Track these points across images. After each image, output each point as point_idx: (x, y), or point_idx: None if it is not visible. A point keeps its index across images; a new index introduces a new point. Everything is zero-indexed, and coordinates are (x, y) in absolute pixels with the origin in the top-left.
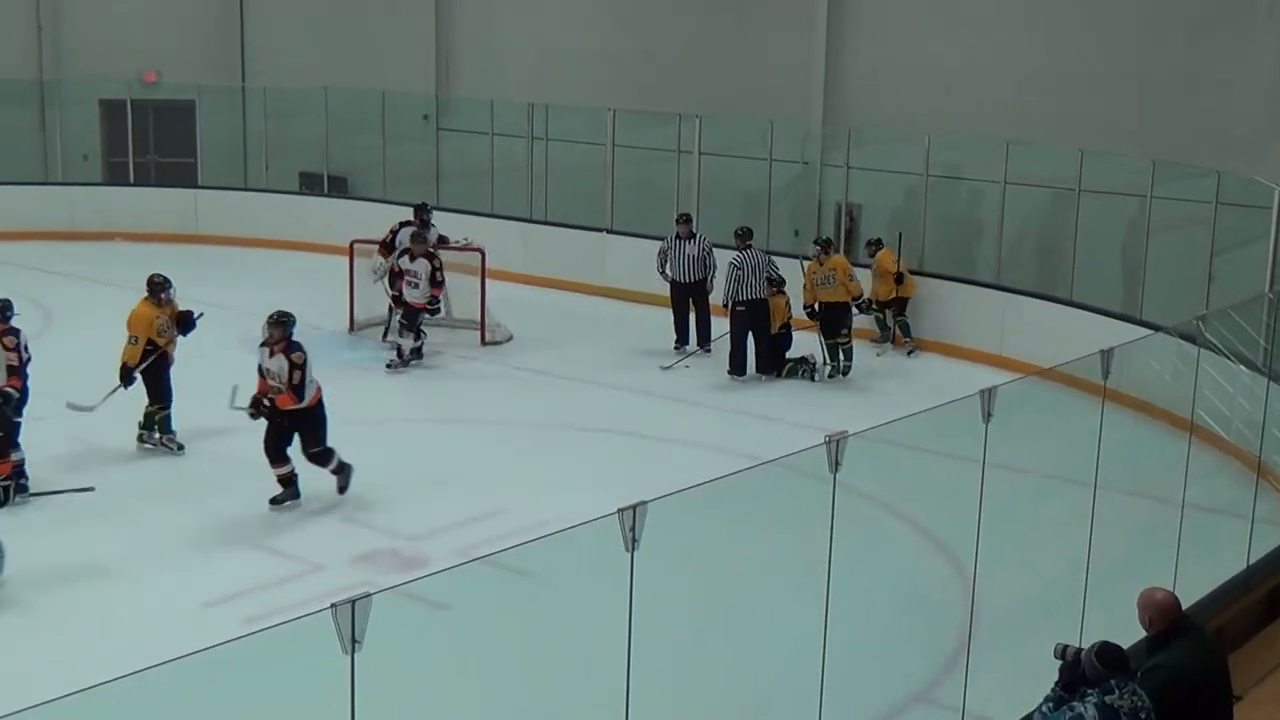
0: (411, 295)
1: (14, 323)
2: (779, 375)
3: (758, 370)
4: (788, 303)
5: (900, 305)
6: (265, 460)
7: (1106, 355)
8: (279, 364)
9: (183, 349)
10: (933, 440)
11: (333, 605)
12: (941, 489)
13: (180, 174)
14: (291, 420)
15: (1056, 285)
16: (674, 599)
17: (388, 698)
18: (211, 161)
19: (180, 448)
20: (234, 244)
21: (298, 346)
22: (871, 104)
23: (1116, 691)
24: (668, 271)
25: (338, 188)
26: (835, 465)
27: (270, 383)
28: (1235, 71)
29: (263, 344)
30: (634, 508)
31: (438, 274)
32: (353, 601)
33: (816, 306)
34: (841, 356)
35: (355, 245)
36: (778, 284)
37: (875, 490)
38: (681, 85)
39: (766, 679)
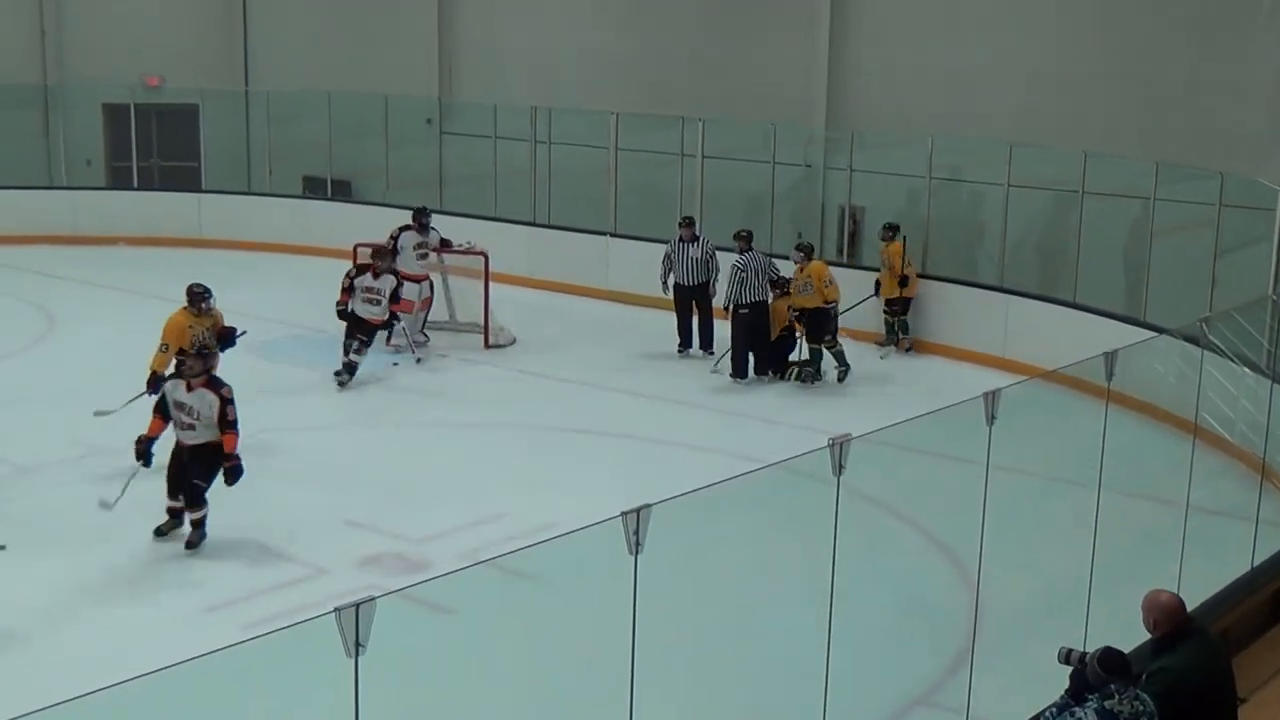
0: (370, 312)
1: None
2: (781, 377)
3: (756, 372)
4: (790, 305)
5: (904, 305)
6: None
7: (1110, 357)
8: (202, 400)
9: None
10: (936, 443)
11: (336, 609)
12: (945, 491)
13: (183, 178)
14: (192, 453)
15: (1060, 287)
16: (677, 602)
17: (392, 702)
18: (215, 166)
19: None
20: (237, 248)
21: (222, 381)
22: (874, 107)
23: (1116, 697)
24: (669, 284)
25: (341, 192)
26: (839, 468)
27: (183, 419)
28: (1238, 73)
29: (174, 376)
30: (637, 511)
31: (399, 291)
32: (356, 605)
33: (800, 312)
34: (834, 361)
35: (358, 249)
36: (781, 286)
37: (879, 493)
38: (684, 89)
39: (770, 682)
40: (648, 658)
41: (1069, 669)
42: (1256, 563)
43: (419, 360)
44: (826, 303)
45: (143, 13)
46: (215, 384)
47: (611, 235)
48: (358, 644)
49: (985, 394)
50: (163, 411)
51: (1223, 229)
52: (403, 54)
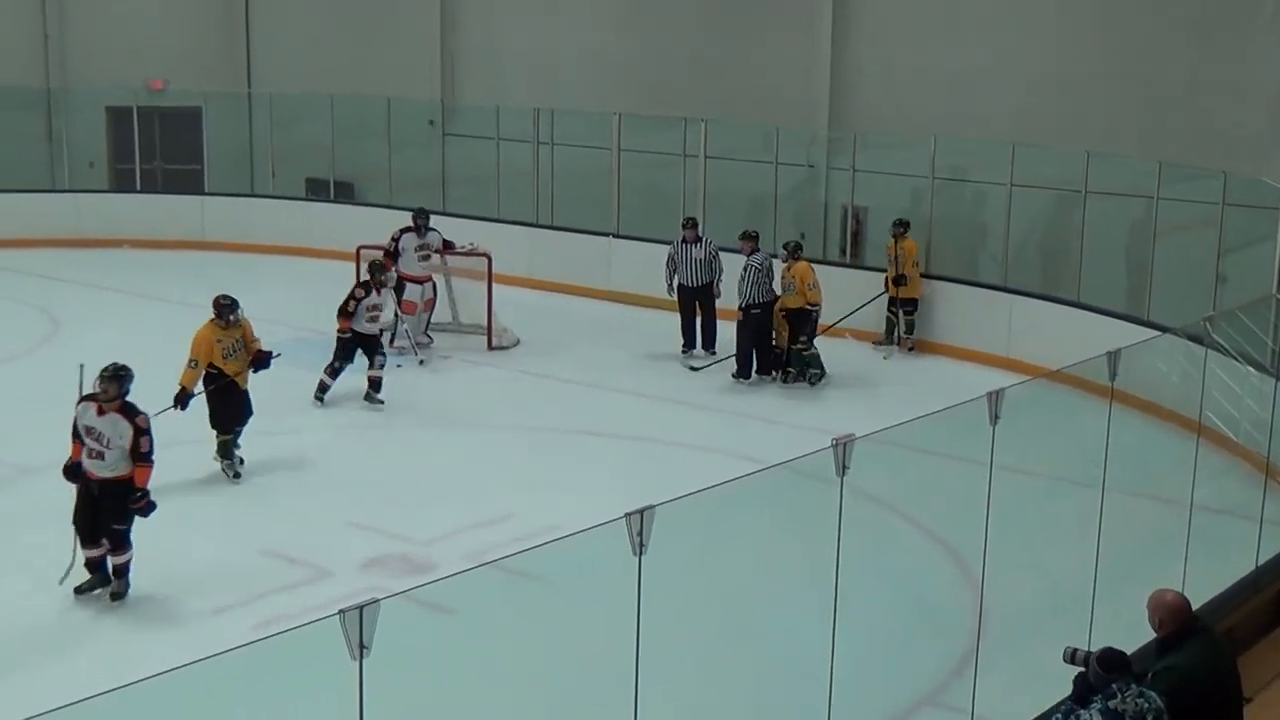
0: (372, 329)
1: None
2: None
3: (758, 371)
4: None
5: (909, 305)
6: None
7: (1113, 357)
8: (114, 428)
9: (183, 350)
10: (940, 443)
11: (341, 611)
12: (949, 491)
13: (187, 181)
14: (103, 488)
15: (1063, 287)
16: (682, 603)
17: (396, 703)
18: (218, 168)
19: (236, 476)
20: (241, 250)
21: (138, 409)
22: (877, 107)
23: (1119, 696)
24: (673, 286)
25: (344, 193)
26: (842, 468)
27: (93, 445)
28: (1241, 73)
29: (86, 398)
30: (641, 512)
31: (401, 292)
32: (361, 607)
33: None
34: (803, 364)
35: (361, 251)
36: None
37: (882, 493)
38: (687, 89)
39: (774, 682)
40: (652, 658)
41: (1073, 669)
42: (1261, 562)
43: (422, 362)
44: (809, 305)
45: (145, 15)
46: (129, 411)
47: (614, 236)
48: (362, 646)
49: (989, 394)
50: (78, 436)
51: (1226, 228)
52: (405, 56)
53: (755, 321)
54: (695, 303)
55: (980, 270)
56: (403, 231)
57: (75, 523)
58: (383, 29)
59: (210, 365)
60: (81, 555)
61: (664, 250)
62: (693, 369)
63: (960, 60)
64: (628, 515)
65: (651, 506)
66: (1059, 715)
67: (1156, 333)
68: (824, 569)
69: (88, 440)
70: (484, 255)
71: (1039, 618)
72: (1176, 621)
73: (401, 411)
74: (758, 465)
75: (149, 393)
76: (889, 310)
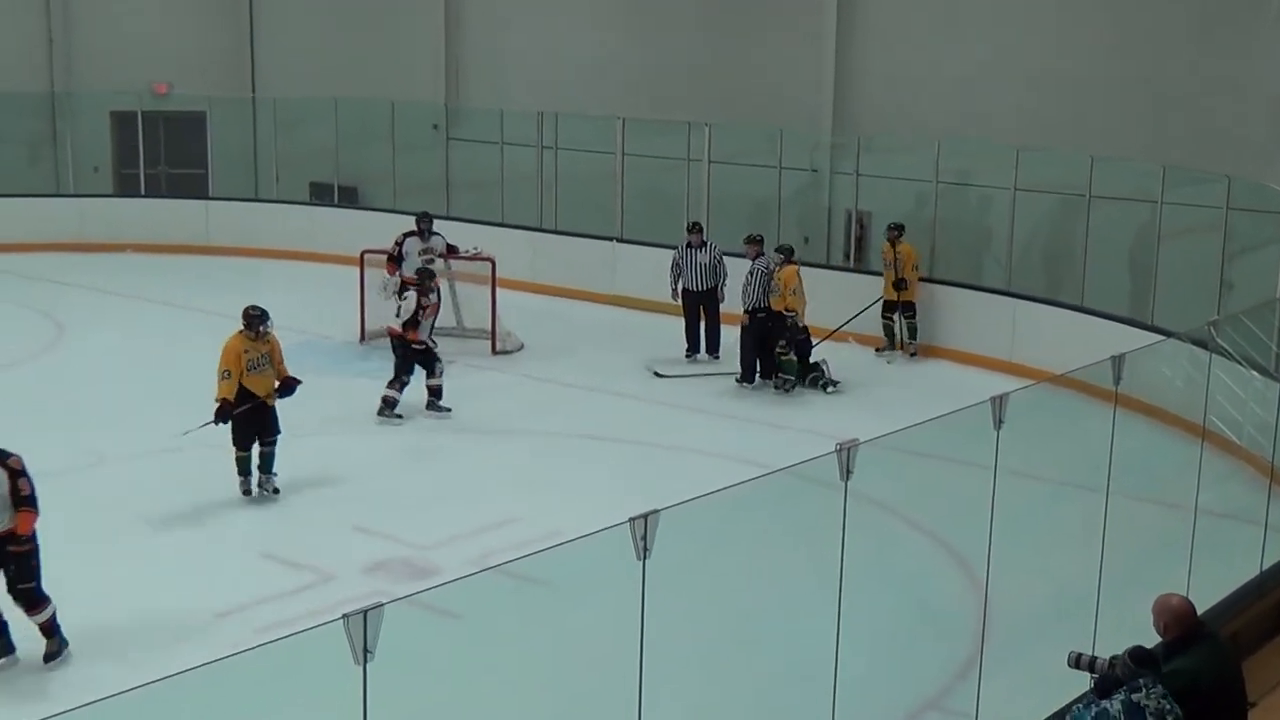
0: (433, 329)
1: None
2: (801, 383)
3: (763, 376)
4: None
5: (907, 309)
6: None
7: (1118, 361)
8: None
9: (189, 356)
10: (944, 447)
11: (344, 615)
12: (953, 496)
13: (191, 185)
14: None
15: (1066, 291)
16: (686, 607)
17: (400, 708)
18: (222, 172)
19: (247, 493)
20: (245, 255)
21: (8, 452)
22: (881, 111)
23: (1144, 690)
24: (677, 291)
25: (348, 198)
26: (846, 473)
27: None
28: (1245, 76)
29: None
30: (645, 516)
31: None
32: (365, 611)
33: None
34: (780, 369)
35: (365, 255)
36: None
37: (886, 497)
38: (690, 93)
39: (779, 687)
40: (656, 663)
41: (1080, 673)
42: (1265, 566)
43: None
44: (785, 310)
45: (150, 20)
46: (2, 454)
47: (618, 240)
48: (366, 650)
49: (993, 398)
50: None
51: (1230, 232)
52: (409, 60)
53: (759, 326)
54: (699, 307)
55: (984, 274)
56: (406, 236)
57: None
58: (386, 33)
59: (241, 385)
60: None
61: (668, 254)
62: (657, 375)
63: (964, 64)
64: (631, 520)
65: (655, 511)
66: (1080, 705)
67: (1161, 337)
68: (828, 573)
69: None
70: (488, 259)
71: (1043, 622)
72: (1181, 626)
73: (405, 416)
74: (762, 470)
75: (150, 394)
76: (884, 316)
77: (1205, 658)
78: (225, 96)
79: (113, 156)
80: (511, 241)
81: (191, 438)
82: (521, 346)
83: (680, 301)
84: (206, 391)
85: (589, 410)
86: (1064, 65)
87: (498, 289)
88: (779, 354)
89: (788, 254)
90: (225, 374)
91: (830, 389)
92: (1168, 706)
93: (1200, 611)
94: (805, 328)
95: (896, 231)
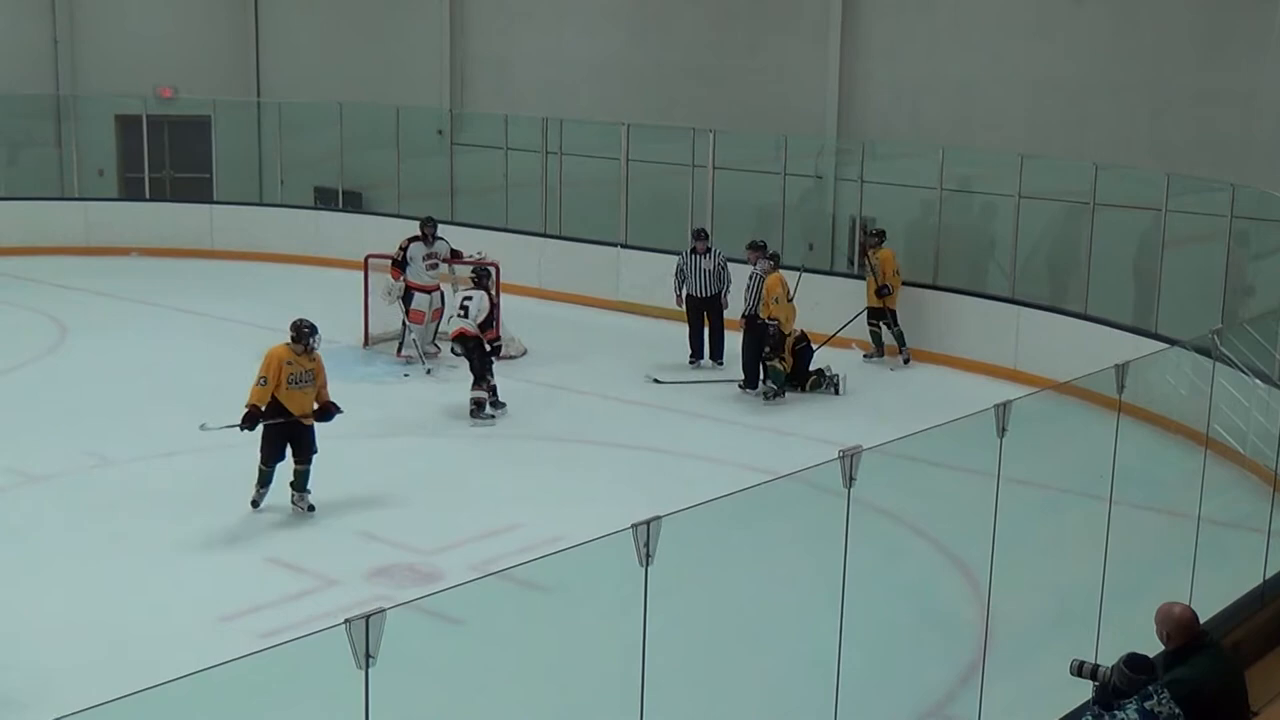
0: (468, 324)
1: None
2: (802, 389)
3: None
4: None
5: (891, 316)
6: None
7: (1121, 369)
8: None
9: (190, 358)
10: (947, 454)
11: (347, 620)
12: (956, 503)
13: (195, 189)
14: None
15: (1070, 299)
16: (688, 614)
17: (402, 713)
18: (227, 177)
19: (254, 505)
20: (249, 259)
21: None
22: (885, 118)
23: (1155, 698)
24: (682, 297)
25: (352, 203)
26: (849, 480)
27: None
28: (1249, 84)
29: None
30: (648, 522)
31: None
32: (367, 616)
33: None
34: (770, 376)
35: (370, 260)
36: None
37: (890, 505)
38: (695, 99)
39: (781, 694)
40: (658, 669)
41: (1082, 681)
42: (1268, 575)
43: (429, 371)
44: (768, 319)
45: (155, 24)
46: None
47: (622, 246)
48: (368, 655)
49: (996, 406)
50: None
51: (1234, 241)
52: (414, 65)
53: (760, 332)
54: (704, 313)
55: (988, 282)
56: (410, 240)
57: None
58: (391, 38)
59: (276, 401)
60: None
61: (672, 260)
62: (656, 382)
63: (969, 71)
64: (634, 526)
65: (658, 517)
66: (1088, 716)
67: (1164, 345)
68: (831, 580)
69: None
70: (492, 265)
71: (1046, 630)
72: (1184, 635)
73: (408, 421)
74: (765, 476)
75: (153, 398)
76: (870, 323)
77: (1208, 666)
78: (230, 101)
79: (117, 160)
80: (516, 247)
81: (209, 435)
82: (525, 352)
83: (684, 308)
84: (208, 394)
85: (592, 416)
86: (1068, 73)
87: (502, 294)
88: (765, 361)
89: (774, 261)
90: (262, 380)
91: (840, 391)
92: (1179, 713)
93: (1203, 620)
94: (804, 335)
95: (875, 238)
